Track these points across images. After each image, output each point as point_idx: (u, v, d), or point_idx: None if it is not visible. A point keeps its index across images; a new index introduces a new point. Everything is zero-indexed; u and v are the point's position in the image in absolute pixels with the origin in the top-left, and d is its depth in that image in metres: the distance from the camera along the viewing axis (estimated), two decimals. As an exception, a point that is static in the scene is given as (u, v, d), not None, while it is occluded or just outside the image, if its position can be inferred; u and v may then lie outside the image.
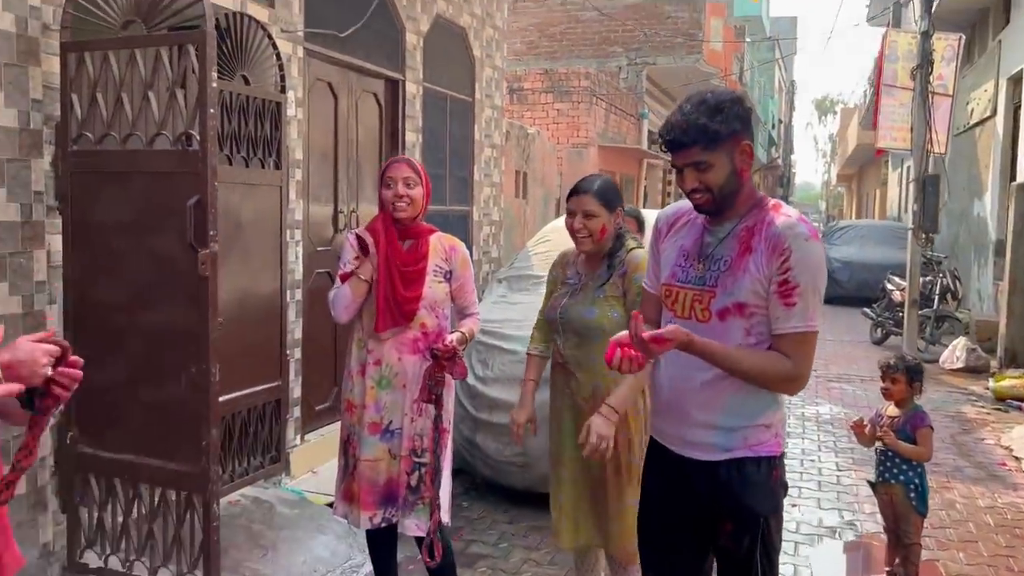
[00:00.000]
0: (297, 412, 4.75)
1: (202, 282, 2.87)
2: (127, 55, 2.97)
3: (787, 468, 2.20)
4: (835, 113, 52.01)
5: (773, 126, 29.90)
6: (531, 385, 3.05)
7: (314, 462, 4.79)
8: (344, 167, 5.30)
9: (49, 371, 1.55)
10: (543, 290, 3.12)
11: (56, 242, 3.12)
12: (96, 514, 3.14)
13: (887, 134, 9.53)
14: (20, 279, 3.01)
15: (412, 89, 5.92)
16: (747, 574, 2.07)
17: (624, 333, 2.01)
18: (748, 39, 21.23)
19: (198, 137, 2.87)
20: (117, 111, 3.00)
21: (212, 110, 2.84)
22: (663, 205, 17.42)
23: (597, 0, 13.16)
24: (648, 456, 2.31)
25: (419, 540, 2.94)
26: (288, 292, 4.31)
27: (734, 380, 2.02)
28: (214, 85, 2.85)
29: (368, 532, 3.05)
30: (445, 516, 2.95)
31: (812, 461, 5.48)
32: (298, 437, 4.77)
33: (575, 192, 2.86)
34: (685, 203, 2.19)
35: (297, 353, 4.74)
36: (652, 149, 15.71)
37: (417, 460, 2.94)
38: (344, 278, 2.96)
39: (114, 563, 3.11)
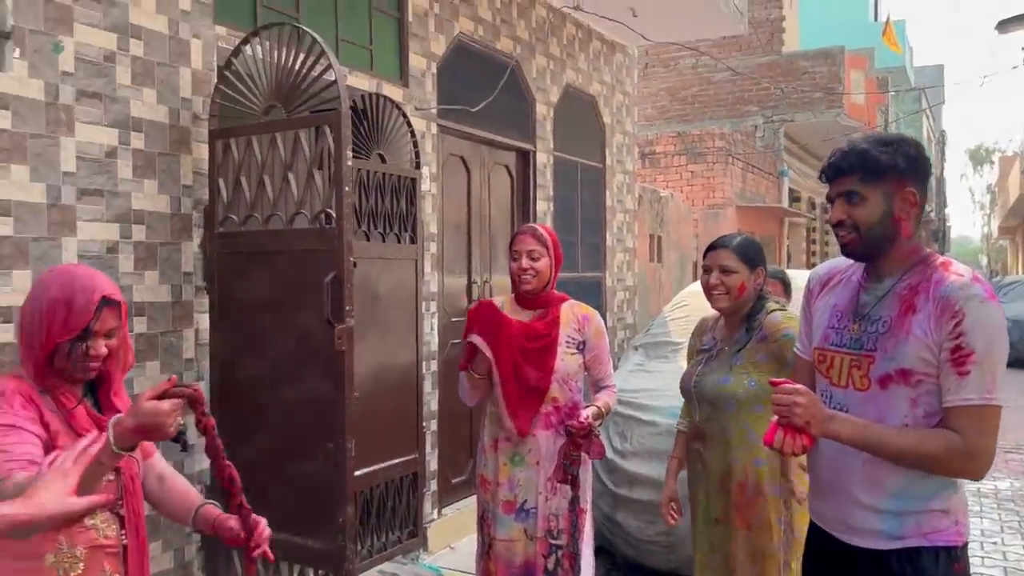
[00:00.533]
0: (434, 485, 4.71)
1: (339, 356, 2.88)
2: (268, 139, 3.09)
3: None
4: (992, 163, 48.90)
5: (924, 178, 28.41)
6: (674, 463, 2.91)
7: (452, 537, 4.71)
8: (477, 238, 5.34)
9: (180, 422, 1.61)
10: (680, 357, 2.98)
11: (203, 320, 3.24)
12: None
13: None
14: (171, 357, 3.14)
15: (543, 159, 5.94)
16: None
17: (785, 403, 1.81)
18: (892, 91, 20.37)
19: (334, 215, 2.92)
20: (259, 193, 3.11)
21: (347, 188, 2.90)
22: (808, 266, 16.69)
23: (730, 60, 12.99)
24: (809, 542, 2.08)
25: None
26: (424, 364, 4.31)
27: None
28: (349, 164, 2.91)
29: None
30: None
31: (994, 544, 4.91)
32: (435, 511, 4.71)
33: (712, 248, 2.73)
34: (841, 261, 2.01)
35: (433, 425, 4.73)
36: (794, 207, 15.16)
37: (553, 542, 2.82)
38: (463, 367, 2.93)
39: (254, 641, 3.09)
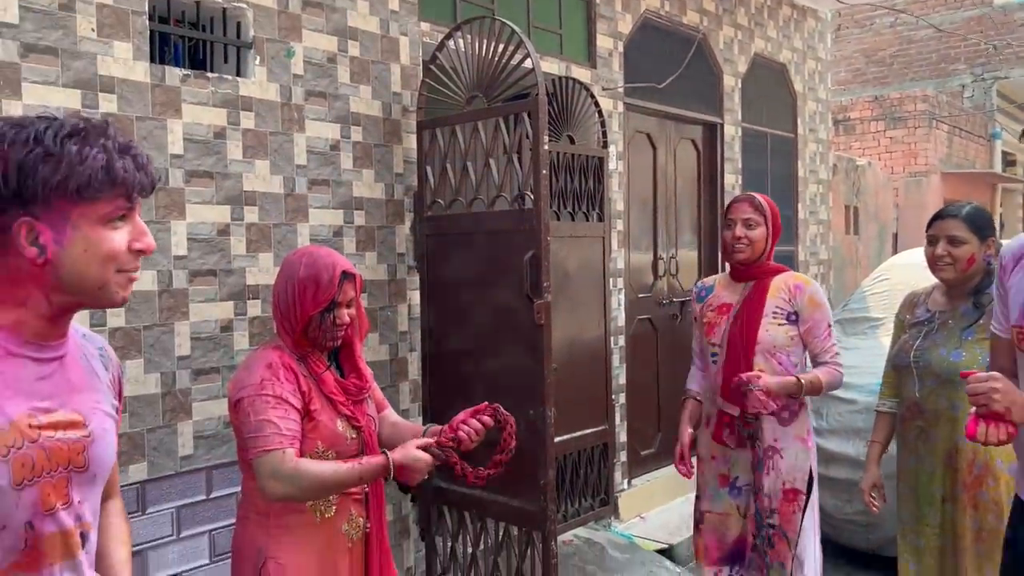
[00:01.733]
0: (623, 457, 4.83)
1: (538, 330, 3.05)
2: (471, 127, 3.30)
3: None
4: None
5: None
6: (877, 448, 2.87)
7: (642, 507, 4.82)
8: (663, 215, 5.37)
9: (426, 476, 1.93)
10: (881, 333, 2.89)
11: (415, 297, 3.52)
12: (449, 544, 3.43)
13: None
14: (388, 330, 3.45)
15: (730, 131, 5.86)
16: None
17: (983, 392, 1.74)
18: None
19: (532, 196, 3.09)
20: (463, 178, 3.33)
21: (544, 171, 3.05)
22: (1024, 234, 15.28)
23: (933, 17, 12.05)
24: (1014, 516, 2.03)
25: None
26: (612, 339, 4.43)
27: None
28: (546, 148, 3.06)
29: None
30: None
31: None
32: (625, 481, 4.84)
33: (938, 217, 2.66)
34: None
35: (622, 399, 4.84)
36: (1008, 172, 13.90)
37: (769, 523, 2.80)
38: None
39: (461, 594, 3.37)
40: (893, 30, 12.91)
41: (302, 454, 1.94)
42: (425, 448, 1.92)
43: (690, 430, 2.98)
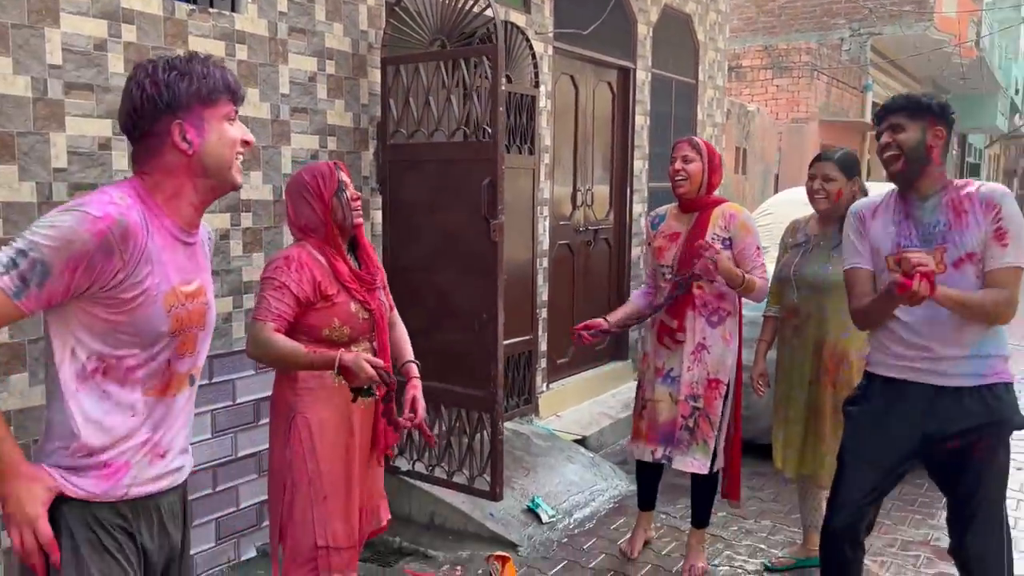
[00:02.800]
0: (543, 364, 5.48)
1: (493, 246, 3.59)
2: (433, 66, 3.75)
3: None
4: (1096, 73, 46.16)
5: (1017, 91, 27.32)
6: (764, 345, 3.49)
7: (558, 407, 5.51)
8: (582, 151, 5.95)
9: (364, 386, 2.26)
10: (766, 259, 3.41)
11: (377, 216, 3.99)
12: (406, 432, 3.98)
13: None
14: (353, 244, 3.90)
15: (642, 76, 6.45)
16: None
17: (917, 262, 2.34)
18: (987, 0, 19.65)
19: (490, 130, 3.59)
20: (425, 111, 3.79)
21: (501, 108, 3.55)
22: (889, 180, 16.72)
23: (819, -28, 12.94)
24: (857, 392, 2.71)
25: (692, 476, 3.43)
26: (538, 260, 5.00)
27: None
28: (503, 89, 3.55)
29: (639, 463, 3.59)
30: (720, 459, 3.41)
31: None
32: (544, 384, 5.50)
33: (818, 159, 3.32)
34: (871, 198, 2.68)
35: (544, 313, 5.46)
36: (876, 122, 15.15)
37: (695, 406, 3.36)
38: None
39: (420, 467, 3.95)
40: (783, -17, 13.75)
41: (322, 328, 2.38)
42: (372, 364, 2.24)
43: (610, 319, 3.50)
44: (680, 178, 3.36)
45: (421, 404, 2.56)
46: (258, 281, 2.48)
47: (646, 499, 3.72)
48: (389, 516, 2.73)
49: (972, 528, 2.53)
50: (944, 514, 4.12)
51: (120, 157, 2.92)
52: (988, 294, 2.42)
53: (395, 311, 2.77)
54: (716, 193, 3.50)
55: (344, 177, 2.52)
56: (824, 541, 2.67)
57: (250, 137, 1.69)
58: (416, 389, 2.58)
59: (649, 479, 3.66)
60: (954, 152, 25.36)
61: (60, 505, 1.57)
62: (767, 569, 3.58)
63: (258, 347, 2.33)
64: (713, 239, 3.29)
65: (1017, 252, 2.41)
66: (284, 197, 2.54)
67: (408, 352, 2.72)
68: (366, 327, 2.51)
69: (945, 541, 3.81)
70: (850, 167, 3.28)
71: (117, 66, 2.86)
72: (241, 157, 1.68)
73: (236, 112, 1.67)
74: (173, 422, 1.71)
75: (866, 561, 3.55)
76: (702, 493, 3.51)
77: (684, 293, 3.34)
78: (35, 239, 1.48)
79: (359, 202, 2.54)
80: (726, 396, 3.38)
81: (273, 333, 2.31)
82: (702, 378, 3.36)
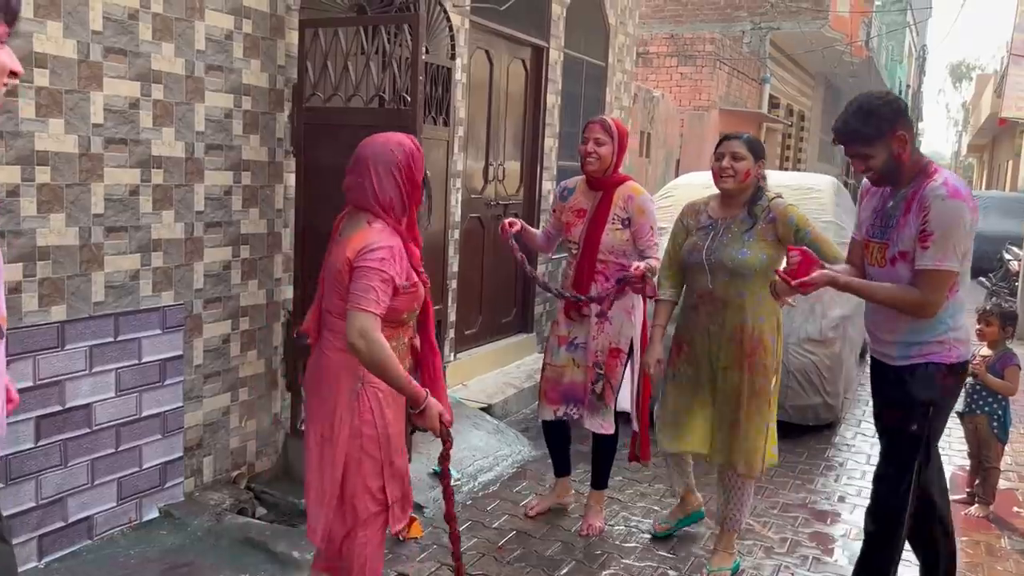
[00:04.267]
0: (452, 334, 5.56)
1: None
2: (353, 31, 3.74)
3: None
4: (970, 79, 49.38)
5: (900, 92, 28.91)
6: (659, 331, 3.41)
7: (465, 377, 5.61)
8: (495, 126, 6.02)
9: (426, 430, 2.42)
10: (666, 240, 3.51)
11: (291, 179, 3.96)
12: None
13: (1013, 103, 9.56)
14: (266, 206, 3.88)
15: (555, 55, 6.57)
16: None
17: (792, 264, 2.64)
18: (878, 2, 20.70)
19: (408, 99, 3.62)
20: (343, 76, 3.78)
21: (421, 78, 3.59)
22: (781, 168, 17.47)
23: (724, -36, 13.37)
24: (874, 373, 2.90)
25: (596, 436, 3.64)
26: (449, 232, 5.07)
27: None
28: (423, 58, 3.59)
29: (544, 423, 3.75)
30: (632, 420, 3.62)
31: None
32: (452, 354, 5.58)
33: (725, 138, 3.30)
34: None
35: (453, 284, 5.54)
36: (772, 114, 15.81)
37: (599, 372, 3.54)
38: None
39: (327, 431, 3.97)
40: (691, -27, 14.13)
41: (402, 312, 2.37)
42: (443, 421, 2.39)
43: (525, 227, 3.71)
44: (591, 159, 3.49)
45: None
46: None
47: (558, 464, 3.88)
48: None
49: (881, 460, 2.83)
50: (821, 480, 4.48)
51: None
52: (897, 291, 2.59)
53: None
54: (620, 170, 3.65)
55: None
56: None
57: (19, 68, 1.48)
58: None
59: (556, 443, 3.82)
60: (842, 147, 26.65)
61: None
62: (653, 537, 3.68)
63: (370, 344, 2.23)
64: (612, 219, 3.49)
65: (935, 255, 2.50)
66: (366, 166, 2.41)
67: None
68: (410, 331, 2.55)
69: (822, 504, 4.15)
70: (758, 149, 3.26)
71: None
72: (5, 88, 1.47)
73: (7, 34, 1.45)
74: None
75: (750, 521, 3.84)
76: (603, 456, 3.70)
77: (615, 289, 3.48)
78: None
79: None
80: (627, 364, 3.55)
81: (384, 344, 2.26)
82: (604, 347, 3.54)
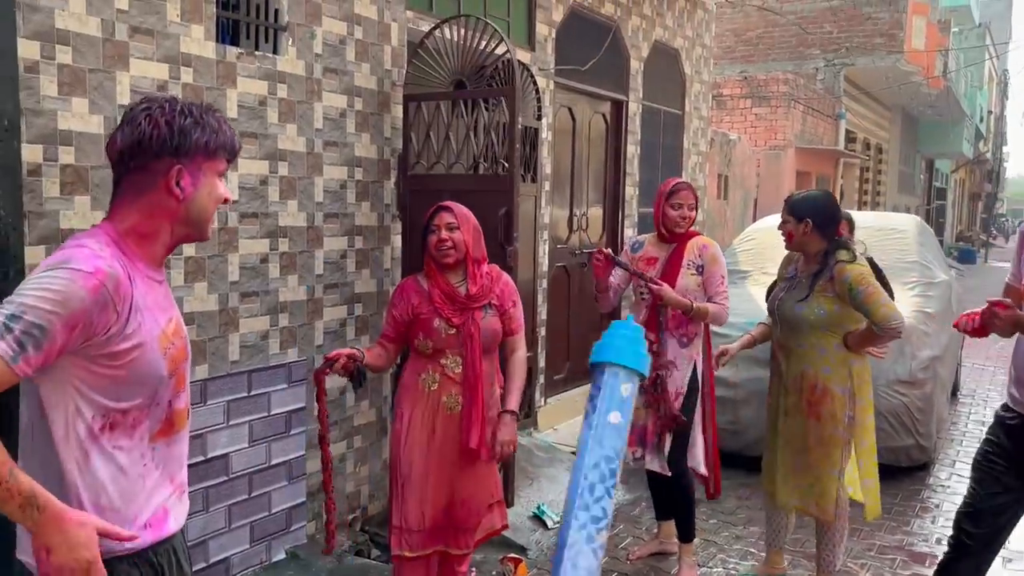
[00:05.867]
0: (541, 379, 5.77)
1: (509, 270, 3.88)
2: (451, 103, 4.05)
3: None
4: (1057, 102, 47.51)
5: (981, 119, 28.22)
6: (747, 338, 3.80)
7: (555, 421, 5.80)
8: (578, 178, 6.28)
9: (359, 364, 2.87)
10: (749, 283, 3.75)
11: (397, 241, 4.27)
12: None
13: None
14: (375, 267, 4.19)
15: (633, 107, 6.81)
16: None
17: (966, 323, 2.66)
18: (955, 28, 20.40)
19: (506, 164, 3.89)
20: (445, 144, 4.09)
21: (518, 145, 3.86)
22: (860, 204, 17.28)
23: (795, 4, 13.47)
24: (1003, 422, 2.82)
25: (667, 483, 3.79)
26: (538, 281, 5.32)
27: None
28: (519, 127, 3.86)
29: (647, 473, 3.89)
30: (691, 462, 3.76)
31: None
32: (543, 399, 5.79)
33: (784, 203, 3.55)
34: None
35: (542, 332, 5.76)
36: (849, 148, 15.71)
37: (659, 415, 3.71)
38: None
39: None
40: (761, 14, 14.28)
41: (413, 339, 2.96)
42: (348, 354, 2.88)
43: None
44: (684, 223, 3.76)
45: (502, 443, 2.99)
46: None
47: (660, 508, 4.03)
48: (505, 522, 3.15)
49: None
50: (916, 521, 4.50)
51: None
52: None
53: (516, 336, 3.14)
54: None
55: (440, 219, 2.99)
56: None
57: (231, 196, 1.72)
58: (500, 432, 2.99)
59: (657, 488, 3.96)
60: (922, 177, 26.13)
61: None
62: None
63: None
64: (688, 265, 3.70)
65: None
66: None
67: (510, 397, 3.07)
68: (453, 341, 2.93)
69: (919, 546, 4.18)
70: (799, 210, 3.41)
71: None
72: (216, 211, 1.70)
73: (226, 172, 1.70)
74: (183, 459, 1.72)
75: (848, 563, 3.91)
76: (678, 506, 3.83)
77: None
78: (27, 301, 1.41)
79: (446, 244, 2.96)
80: (690, 407, 3.72)
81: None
82: (671, 392, 3.71)
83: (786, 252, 3.70)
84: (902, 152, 21.84)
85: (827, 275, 3.34)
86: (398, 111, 4.22)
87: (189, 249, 3.24)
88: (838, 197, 15.02)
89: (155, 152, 1.56)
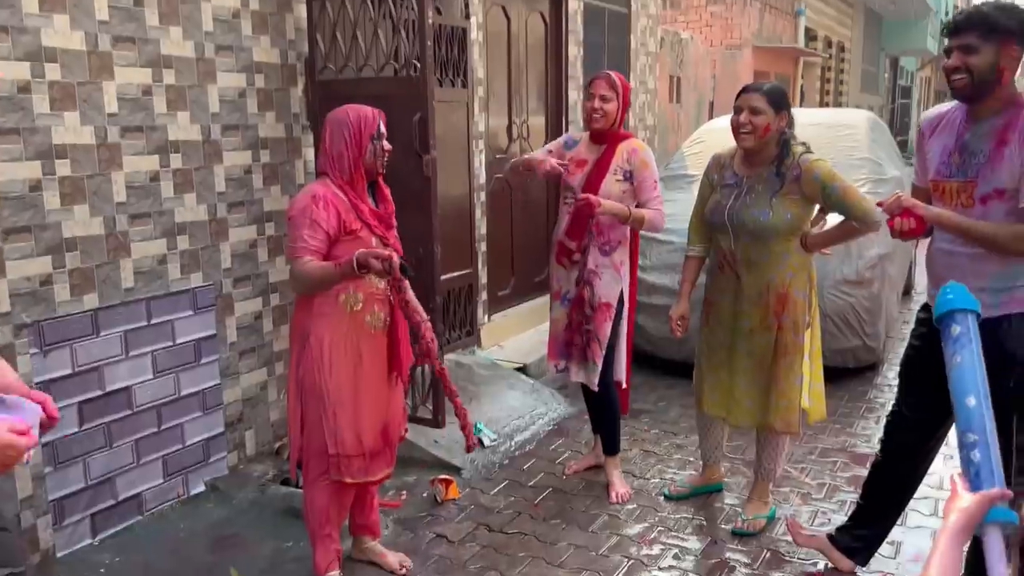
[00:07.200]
0: (484, 296, 5.59)
1: (426, 181, 3.64)
2: (359, 0, 3.72)
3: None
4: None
5: (947, 13, 27.75)
6: (687, 286, 3.39)
7: (499, 338, 5.64)
8: (516, 83, 5.96)
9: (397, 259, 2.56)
10: (696, 188, 3.42)
11: (309, 153, 3.99)
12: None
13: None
14: (287, 182, 3.92)
15: (574, 5, 6.44)
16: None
17: (896, 204, 2.39)
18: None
19: (418, 65, 3.60)
20: (353, 45, 3.77)
21: (429, 43, 3.55)
22: (821, 104, 17.01)
23: None
24: (922, 321, 2.71)
25: (589, 395, 3.71)
26: (475, 194, 5.05)
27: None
28: (430, 22, 3.55)
29: (583, 388, 3.76)
30: (617, 375, 3.62)
31: None
32: (486, 317, 5.62)
33: (744, 91, 3.10)
34: (943, 106, 2.59)
35: (483, 247, 5.54)
36: (809, 47, 15.34)
37: (585, 327, 3.57)
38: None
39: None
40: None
41: (332, 257, 2.60)
42: (377, 256, 2.50)
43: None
44: (597, 115, 3.46)
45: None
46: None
47: (593, 421, 3.91)
48: (406, 427, 3.05)
49: None
50: (861, 423, 4.44)
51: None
52: (1004, 227, 2.31)
53: None
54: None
55: (383, 127, 2.72)
56: None
57: None
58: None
59: (589, 401, 3.83)
60: (886, 75, 25.84)
61: None
62: (665, 497, 3.63)
63: (299, 281, 2.61)
64: (615, 171, 3.46)
65: None
66: (325, 127, 2.71)
67: None
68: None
69: (861, 447, 4.12)
70: (778, 100, 3.07)
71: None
72: None
73: None
74: None
75: (788, 468, 3.83)
76: (603, 420, 3.75)
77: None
78: None
79: (387, 154, 2.75)
80: (616, 320, 3.54)
81: (308, 264, 2.57)
82: (593, 302, 3.54)
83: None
84: (865, 50, 21.45)
85: (792, 174, 3.05)
86: (301, 11, 3.87)
87: (63, 168, 2.96)
88: (799, 97, 14.74)
89: None
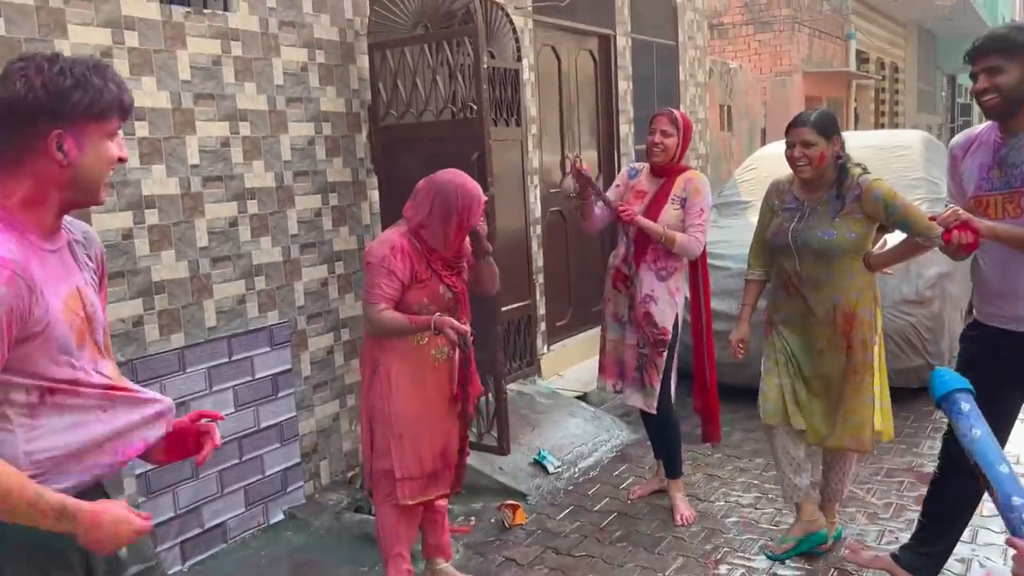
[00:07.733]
0: (543, 327, 5.71)
1: (487, 217, 3.79)
2: (418, 48, 3.93)
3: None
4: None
5: (1004, 29, 27.18)
6: (747, 310, 3.41)
7: (559, 367, 5.75)
8: (567, 118, 6.13)
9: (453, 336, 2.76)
10: (750, 214, 3.50)
11: (374, 195, 4.19)
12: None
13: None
14: (354, 223, 4.12)
15: (622, 42, 6.61)
16: None
17: (954, 216, 2.44)
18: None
19: (475, 107, 3.78)
20: (413, 92, 3.98)
21: (484, 86, 3.74)
22: (876, 126, 16.82)
23: (796, -77, 12.96)
24: (973, 339, 2.77)
25: (647, 420, 3.79)
26: (531, 228, 5.21)
27: None
28: (485, 67, 3.74)
29: (642, 414, 3.82)
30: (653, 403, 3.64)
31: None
32: (545, 347, 5.73)
33: (793, 124, 3.14)
34: (973, 130, 2.71)
35: (540, 279, 5.68)
36: (861, 69, 15.25)
37: (640, 351, 3.66)
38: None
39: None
40: (760, -64, 13.77)
41: (412, 304, 2.80)
42: (454, 327, 2.73)
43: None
44: (658, 150, 3.60)
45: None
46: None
47: (654, 445, 3.97)
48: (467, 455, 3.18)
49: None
50: (927, 443, 4.41)
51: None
52: None
53: None
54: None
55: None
56: None
57: (125, 155, 1.60)
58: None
59: (649, 426, 3.90)
60: (943, 94, 25.40)
61: None
62: (768, 558, 3.39)
63: (374, 325, 2.80)
64: (672, 200, 3.58)
65: None
66: (429, 192, 2.83)
67: None
68: (450, 304, 2.92)
69: (928, 467, 4.09)
70: (827, 127, 3.11)
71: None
72: (112, 171, 1.60)
73: (120, 128, 1.58)
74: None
75: (854, 488, 3.83)
76: (663, 443, 3.81)
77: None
78: None
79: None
80: (671, 345, 3.63)
81: (385, 312, 2.77)
82: (651, 327, 3.61)
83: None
84: (920, 70, 21.17)
85: (852, 194, 3.10)
86: (364, 61, 4.11)
87: (152, 217, 3.19)
88: (852, 120, 14.64)
89: (31, 116, 1.45)
